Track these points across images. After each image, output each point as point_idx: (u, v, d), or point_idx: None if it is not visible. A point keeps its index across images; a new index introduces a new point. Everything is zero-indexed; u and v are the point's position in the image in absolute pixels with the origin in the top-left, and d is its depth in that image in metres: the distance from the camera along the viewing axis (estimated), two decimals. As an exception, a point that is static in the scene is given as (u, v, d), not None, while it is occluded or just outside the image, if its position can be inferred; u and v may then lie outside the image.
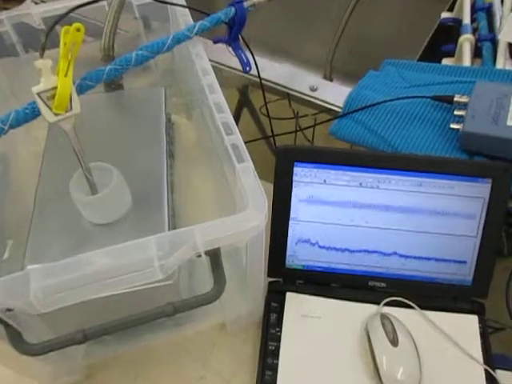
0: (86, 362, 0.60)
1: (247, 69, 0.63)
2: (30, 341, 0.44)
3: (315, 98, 0.79)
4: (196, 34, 0.61)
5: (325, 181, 0.61)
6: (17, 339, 0.44)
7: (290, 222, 0.63)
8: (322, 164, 0.61)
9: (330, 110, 0.78)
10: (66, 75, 0.47)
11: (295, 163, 0.61)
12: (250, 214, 0.42)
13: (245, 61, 0.63)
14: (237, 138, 0.49)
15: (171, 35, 0.59)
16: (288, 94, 0.80)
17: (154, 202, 0.56)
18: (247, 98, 1.01)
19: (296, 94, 0.79)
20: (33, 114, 0.48)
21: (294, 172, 0.61)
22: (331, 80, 1.25)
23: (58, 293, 0.40)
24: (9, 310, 0.44)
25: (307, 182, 0.61)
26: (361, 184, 0.61)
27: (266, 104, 0.78)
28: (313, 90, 0.79)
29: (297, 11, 1.36)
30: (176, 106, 0.76)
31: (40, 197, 0.56)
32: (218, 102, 0.52)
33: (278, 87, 0.79)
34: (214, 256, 0.44)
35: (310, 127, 0.81)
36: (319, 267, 0.64)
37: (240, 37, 0.65)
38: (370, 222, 0.62)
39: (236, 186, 0.50)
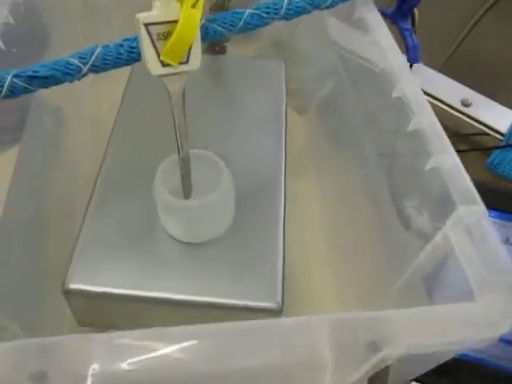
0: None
1: (415, 59, 0.45)
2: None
3: (467, 116, 0.59)
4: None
5: (508, 239, 0.42)
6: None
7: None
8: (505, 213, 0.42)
9: (485, 133, 0.58)
10: (193, 6, 0.29)
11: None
12: (492, 302, 0.23)
13: (412, 46, 0.45)
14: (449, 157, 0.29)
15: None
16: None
17: (264, 222, 0.37)
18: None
19: (444, 107, 0.60)
20: (128, 56, 0.30)
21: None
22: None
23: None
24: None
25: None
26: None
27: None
28: (466, 104, 0.60)
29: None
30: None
31: (103, 182, 0.38)
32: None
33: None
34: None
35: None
36: None
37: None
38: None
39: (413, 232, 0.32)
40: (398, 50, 0.38)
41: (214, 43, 0.51)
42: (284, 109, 0.46)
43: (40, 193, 0.40)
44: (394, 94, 0.35)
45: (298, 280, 0.42)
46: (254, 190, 0.39)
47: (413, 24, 0.47)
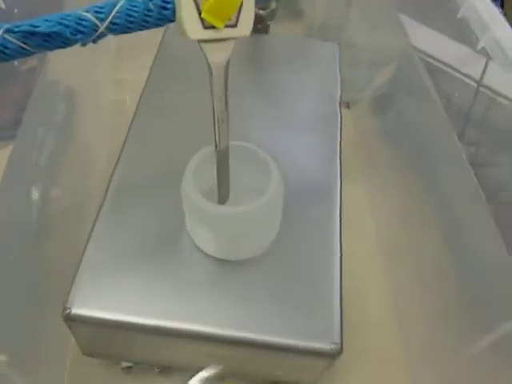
0: None
1: None
2: None
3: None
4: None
5: None
6: None
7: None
8: None
9: None
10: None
11: None
12: None
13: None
14: None
15: None
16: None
17: (316, 237, 0.30)
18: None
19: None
20: (159, 13, 0.22)
21: None
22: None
23: None
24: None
25: None
26: None
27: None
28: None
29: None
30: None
31: (118, 181, 0.31)
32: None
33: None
34: None
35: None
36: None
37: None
38: None
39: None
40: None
41: (256, 20, 0.44)
42: (339, 99, 0.38)
43: (43, 189, 0.33)
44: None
45: (352, 313, 0.34)
46: (304, 197, 0.32)
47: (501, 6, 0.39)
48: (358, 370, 0.34)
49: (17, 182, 0.31)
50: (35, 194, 0.33)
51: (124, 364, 0.33)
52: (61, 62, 0.35)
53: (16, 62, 0.34)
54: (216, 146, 0.26)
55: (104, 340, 0.28)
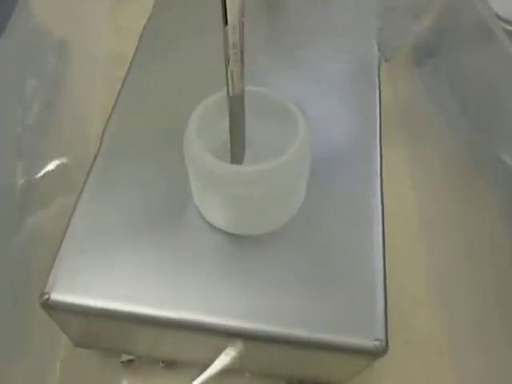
0: None
1: None
2: None
3: None
4: None
5: None
6: None
7: None
8: None
9: None
10: None
11: None
12: None
13: None
14: None
15: None
16: None
17: (350, 207, 0.24)
18: None
19: None
20: None
21: None
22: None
23: None
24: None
25: None
26: None
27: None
28: None
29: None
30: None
31: (110, 141, 0.26)
32: None
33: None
34: None
35: None
36: None
37: None
38: None
39: None
40: None
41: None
42: (376, 47, 0.32)
43: (30, 152, 0.29)
44: None
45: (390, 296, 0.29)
46: (336, 161, 0.26)
47: None
48: (398, 358, 0.29)
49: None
50: (21, 159, 0.29)
51: (124, 357, 0.28)
52: (49, 8, 0.30)
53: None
54: (228, 92, 0.20)
55: (92, 330, 0.23)
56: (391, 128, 0.40)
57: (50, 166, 0.32)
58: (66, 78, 0.32)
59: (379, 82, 0.30)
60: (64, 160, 0.32)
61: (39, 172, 0.31)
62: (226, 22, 0.19)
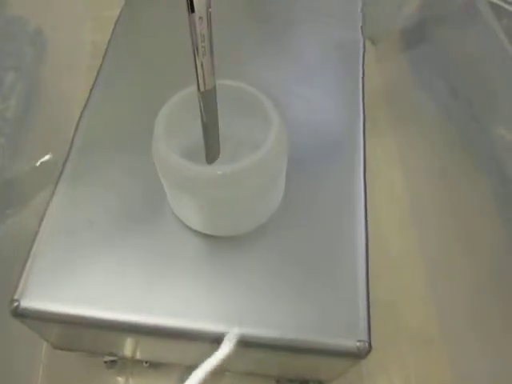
0: None
1: None
2: None
3: None
4: None
5: None
6: None
7: None
8: None
9: None
10: None
11: None
12: None
13: None
14: None
15: None
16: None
17: (333, 205, 0.23)
18: None
19: None
20: None
21: None
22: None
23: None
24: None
25: None
26: None
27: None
28: None
29: None
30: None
31: (82, 138, 0.25)
32: None
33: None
34: None
35: None
36: None
37: None
38: None
39: None
40: None
41: None
42: (360, 32, 0.31)
43: (7, 147, 0.28)
44: None
45: (381, 289, 0.28)
46: (319, 151, 0.25)
47: None
48: (391, 351, 0.29)
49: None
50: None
51: (107, 357, 0.28)
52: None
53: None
54: (198, 87, 0.19)
55: (68, 335, 0.23)
56: (380, 114, 0.39)
57: (30, 163, 0.31)
58: (44, 69, 0.31)
59: (363, 70, 0.29)
60: (43, 155, 0.31)
61: (18, 169, 0.30)
62: (192, 10, 0.17)
